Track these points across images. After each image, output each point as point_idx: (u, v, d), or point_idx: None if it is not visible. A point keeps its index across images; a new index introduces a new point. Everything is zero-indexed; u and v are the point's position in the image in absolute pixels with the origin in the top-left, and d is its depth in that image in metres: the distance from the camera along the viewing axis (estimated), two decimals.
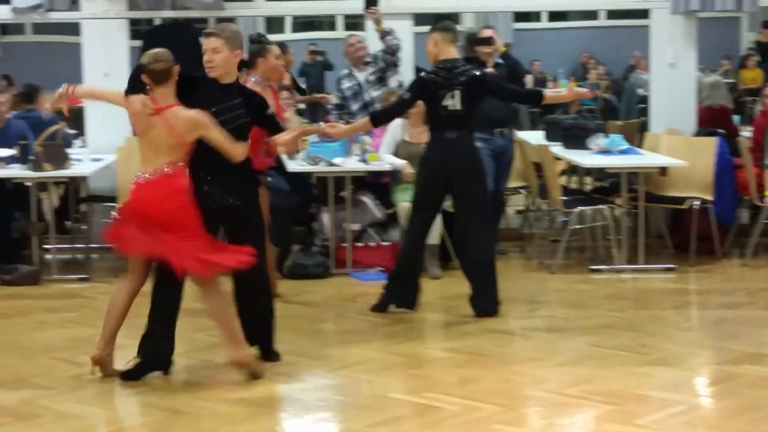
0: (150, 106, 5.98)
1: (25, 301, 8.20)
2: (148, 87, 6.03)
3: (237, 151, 5.96)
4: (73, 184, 9.73)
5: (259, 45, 7.73)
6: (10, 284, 8.64)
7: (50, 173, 8.87)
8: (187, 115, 5.92)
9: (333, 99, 10.51)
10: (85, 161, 9.41)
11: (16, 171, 8.94)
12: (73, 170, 9.12)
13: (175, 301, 6.24)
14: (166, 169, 5.96)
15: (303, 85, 13.47)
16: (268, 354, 6.44)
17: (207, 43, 6.10)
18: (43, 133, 9.04)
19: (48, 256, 9.35)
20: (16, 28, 19.26)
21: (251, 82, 7.63)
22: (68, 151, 9.27)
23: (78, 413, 5.63)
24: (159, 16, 10.75)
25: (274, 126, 6.43)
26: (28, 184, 8.99)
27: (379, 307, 7.68)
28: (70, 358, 6.61)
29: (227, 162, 5.97)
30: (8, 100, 9.98)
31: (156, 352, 6.17)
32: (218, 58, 6.06)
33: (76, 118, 11.56)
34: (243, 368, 6.11)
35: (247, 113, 6.15)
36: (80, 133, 10.72)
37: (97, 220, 9.82)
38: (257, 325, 6.38)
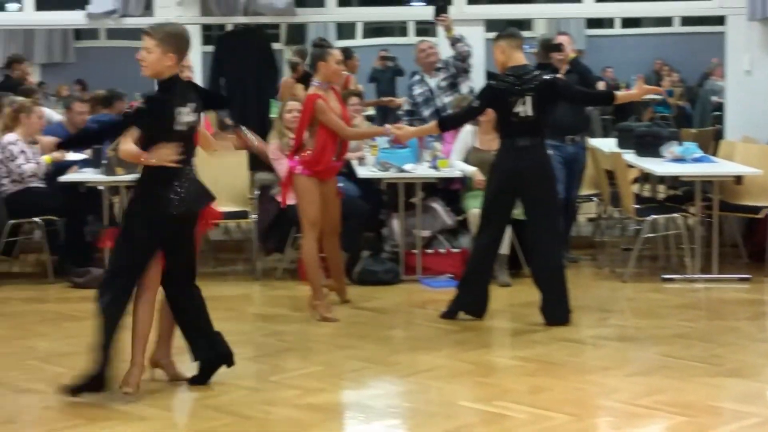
0: None
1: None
2: None
3: None
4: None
5: (319, 49, 7.79)
6: (83, 287, 8.74)
7: (122, 177, 8.96)
8: None
9: (403, 104, 10.48)
10: None
11: (89, 175, 9.06)
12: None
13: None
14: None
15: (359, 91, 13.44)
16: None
17: (142, 42, 5.91)
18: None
19: None
20: (89, 33, 19.51)
21: (314, 86, 7.69)
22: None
23: (147, 416, 5.66)
24: (231, 21, 10.84)
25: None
26: (101, 188, 9.10)
27: (449, 314, 7.66)
28: None
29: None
30: (87, 105, 10.13)
31: (214, 350, 6.19)
32: (150, 58, 5.87)
33: None
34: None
35: None
36: None
37: None
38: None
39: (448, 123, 8.10)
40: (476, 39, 9.97)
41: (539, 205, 7.53)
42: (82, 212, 9.26)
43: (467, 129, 8.98)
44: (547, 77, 7.57)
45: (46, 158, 9.14)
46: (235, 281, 9.33)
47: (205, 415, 5.78)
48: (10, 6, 16.33)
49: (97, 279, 8.74)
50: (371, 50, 18.24)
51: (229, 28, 11.64)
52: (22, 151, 9.04)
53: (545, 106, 7.47)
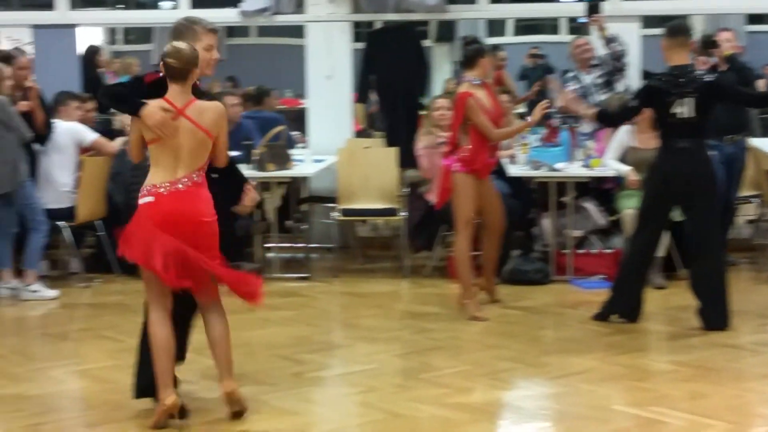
0: (170, 108, 5.27)
1: None
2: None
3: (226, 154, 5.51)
4: (295, 184, 9.94)
5: (478, 45, 7.80)
6: None
7: (273, 173, 9.10)
8: (211, 104, 5.42)
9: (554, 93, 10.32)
10: (306, 162, 9.60)
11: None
12: (295, 171, 9.33)
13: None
14: (196, 178, 5.33)
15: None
16: None
17: (215, 40, 5.59)
18: (267, 134, 9.29)
19: (270, 255, 9.59)
20: (241, 31, 19.78)
21: (466, 81, 7.67)
22: (291, 151, 9.48)
23: (298, 410, 5.72)
24: (382, 18, 10.89)
25: None
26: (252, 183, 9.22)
27: (601, 316, 7.55)
28: (290, 355, 6.74)
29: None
30: (238, 98, 10.28)
31: None
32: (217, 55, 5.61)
33: (298, 119, 11.86)
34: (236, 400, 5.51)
35: None
36: (302, 134, 10.97)
37: (317, 221, 10.05)
38: None
39: (606, 119, 8.00)
40: (632, 36, 9.80)
41: (701, 208, 7.34)
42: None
43: (624, 127, 8.83)
44: (709, 78, 7.39)
45: None
46: (383, 278, 9.35)
47: (355, 411, 5.81)
48: (164, 4, 16.75)
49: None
50: (522, 48, 18.08)
51: (379, 25, 11.70)
52: None
53: (708, 107, 7.27)
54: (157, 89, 5.31)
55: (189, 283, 5.26)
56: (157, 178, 5.28)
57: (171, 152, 5.26)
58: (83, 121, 9.36)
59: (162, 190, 5.26)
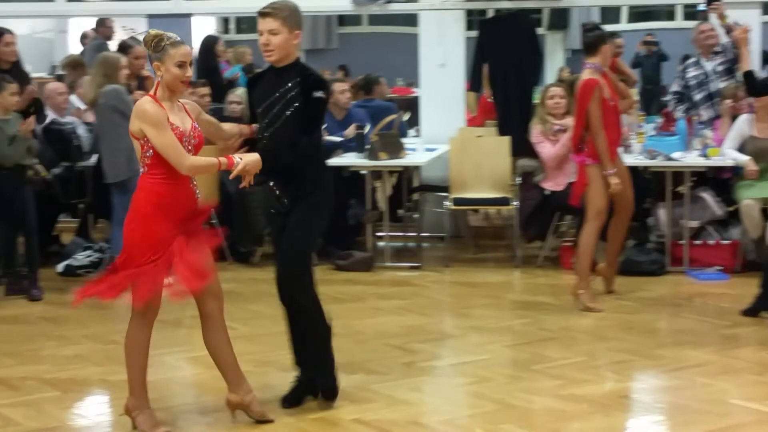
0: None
1: (359, 287, 8.46)
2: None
3: (183, 162, 5.06)
4: (407, 173, 9.95)
5: (599, 32, 7.72)
6: (346, 269, 8.95)
7: (385, 162, 9.11)
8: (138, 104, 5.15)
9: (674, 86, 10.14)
10: (418, 151, 9.60)
11: (353, 159, 9.23)
12: (407, 159, 9.33)
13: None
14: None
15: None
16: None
17: (262, 24, 5.29)
18: (380, 122, 9.32)
19: (381, 244, 9.62)
20: (352, 19, 19.88)
21: (589, 68, 7.59)
22: (403, 140, 9.49)
23: (409, 400, 5.72)
24: (495, 6, 10.84)
25: (313, 110, 5.32)
26: (364, 172, 9.27)
27: (750, 312, 7.34)
28: (402, 345, 6.75)
29: None
30: (347, 85, 10.33)
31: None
32: (276, 40, 5.28)
33: (410, 108, 11.87)
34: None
35: (299, 94, 5.29)
36: (414, 122, 10.97)
37: (429, 210, 10.05)
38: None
39: (751, 84, 7.98)
40: (753, 22, 9.59)
41: None
42: (345, 196, 9.44)
43: (743, 117, 8.67)
44: None
45: None
46: (494, 268, 9.32)
47: (468, 401, 5.80)
48: None
49: (360, 262, 8.99)
50: (636, 35, 17.84)
51: (492, 13, 11.64)
52: None
53: None
54: None
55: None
56: None
57: None
58: None
59: None
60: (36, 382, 6.03)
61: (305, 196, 5.35)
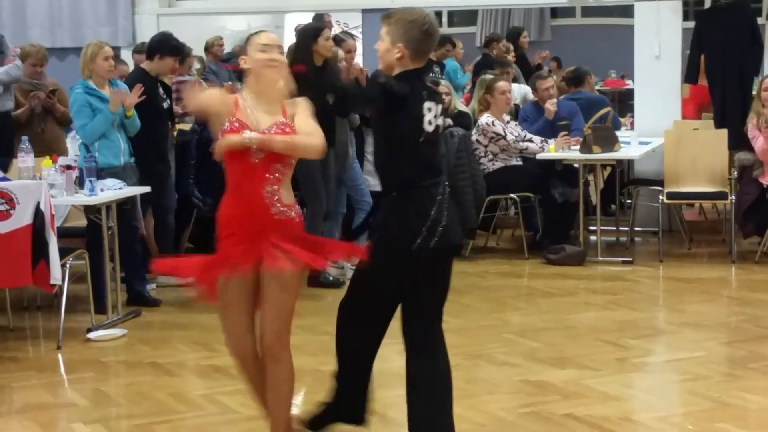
0: None
1: (571, 281, 8.41)
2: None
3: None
4: (620, 166, 9.83)
5: None
6: (557, 264, 8.90)
7: (598, 155, 9.02)
8: None
9: None
10: (632, 144, 9.47)
11: (566, 153, 9.16)
12: (621, 153, 9.21)
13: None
14: None
15: None
16: None
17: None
18: (593, 115, 9.24)
19: (593, 238, 9.53)
20: (565, 12, 19.71)
21: None
22: (617, 133, 9.37)
23: (622, 396, 5.66)
24: None
25: None
26: (576, 165, 9.20)
27: None
28: (614, 340, 6.67)
29: None
30: (556, 83, 10.27)
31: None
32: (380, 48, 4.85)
33: (620, 101, 11.72)
34: None
35: None
36: (629, 115, 10.84)
37: (642, 204, 9.90)
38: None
39: None
40: None
41: None
42: (548, 178, 9.38)
43: None
44: None
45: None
46: (709, 263, 9.11)
47: (682, 399, 5.71)
48: None
49: (572, 256, 8.93)
50: None
51: (709, 3, 11.36)
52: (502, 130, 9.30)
53: None
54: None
55: None
56: None
57: None
58: None
59: None
60: None
61: None
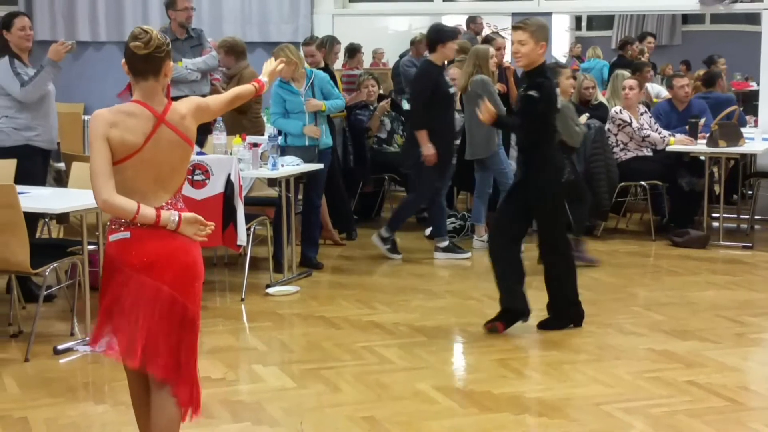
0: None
1: (694, 262, 8.24)
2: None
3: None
4: (743, 160, 9.59)
5: None
6: (682, 246, 8.74)
7: (723, 149, 8.81)
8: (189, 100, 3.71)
9: None
10: (756, 140, 9.23)
11: (692, 146, 8.99)
12: (745, 148, 8.99)
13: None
14: (180, 205, 3.67)
15: None
16: None
17: (514, 36, 5.92)
18: (721, 113, 9.05)
19: (715, 224, 9.32)
20: (696, 18, 19.25)
21: None
22: (742, 130, 9.15)
23: (739, 367, 5.55)
24: None
25: (522, 104, 5.99)
26: (702, 158, 9.01)
27: None
28: (733, 317, 6.53)
29: None
30: (686, 79, 10.06)
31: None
32: (523, 50, 5.87)
33: (747, 101, 11.42)
34: None
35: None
36: (751, 117, 10.61)
37: (763, 195, 9.66)
38: None
39: None
40: None
41: None
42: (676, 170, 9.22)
43: None
44: None
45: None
46: None
47: None
48: None
49: (696, 240, 8.76)
50: None
51: None
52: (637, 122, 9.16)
53: None
54: None
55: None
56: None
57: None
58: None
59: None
60: (407, 329, 6.27)
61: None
